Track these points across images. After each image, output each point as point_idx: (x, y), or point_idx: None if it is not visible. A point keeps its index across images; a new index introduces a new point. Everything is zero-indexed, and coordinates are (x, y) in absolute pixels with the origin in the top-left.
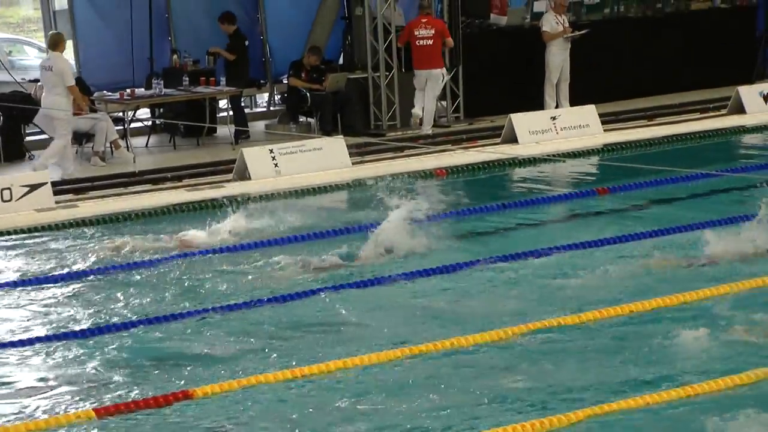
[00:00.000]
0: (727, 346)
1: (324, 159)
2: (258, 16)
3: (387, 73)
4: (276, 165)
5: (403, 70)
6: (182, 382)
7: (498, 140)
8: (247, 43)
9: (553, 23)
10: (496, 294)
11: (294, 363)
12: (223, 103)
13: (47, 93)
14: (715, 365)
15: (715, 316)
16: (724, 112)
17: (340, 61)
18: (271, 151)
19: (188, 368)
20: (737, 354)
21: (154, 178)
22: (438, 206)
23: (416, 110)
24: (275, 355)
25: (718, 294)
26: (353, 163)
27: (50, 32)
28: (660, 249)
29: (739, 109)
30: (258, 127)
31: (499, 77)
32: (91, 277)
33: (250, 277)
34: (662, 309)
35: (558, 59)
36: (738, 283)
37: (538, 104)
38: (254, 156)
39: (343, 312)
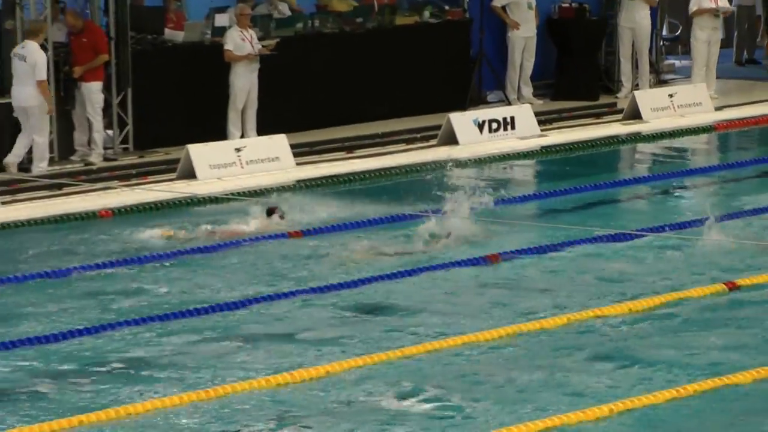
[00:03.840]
0: None
1: None
2: None
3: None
4: None
5: (62, 93)
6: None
7: (174, 176)
8: None
9: (237, 40)
10: None
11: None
12: None
13: (17, 84)
14: None
15: None
16: (434, 142)
17: None
18: None
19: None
20: None
21: None
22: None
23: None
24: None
25: None
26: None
27: (29, 19)
28: None
29: (451, 138)
30: None
31: (174, 102)
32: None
33: None
34: None
35: (244, 81)
36: None
37: (220, 134)
38: None
39: None
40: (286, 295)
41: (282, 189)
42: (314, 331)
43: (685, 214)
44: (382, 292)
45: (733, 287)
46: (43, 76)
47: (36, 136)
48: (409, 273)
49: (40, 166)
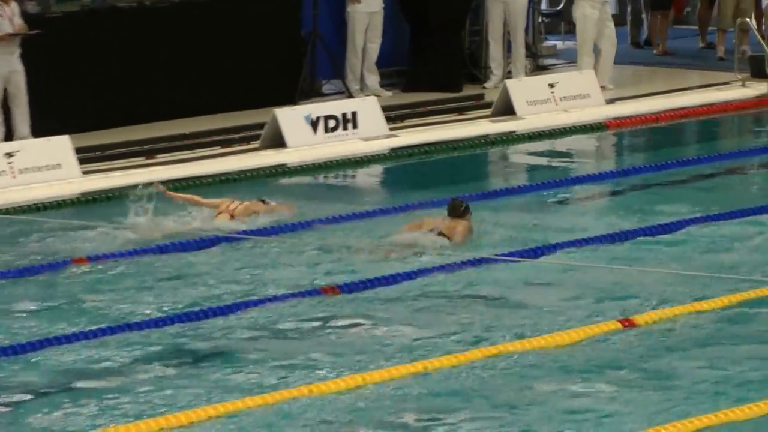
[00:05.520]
0: None
1: None
2: None
3: None
4: None
5: None
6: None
7: None
8: None
9: None
10: None
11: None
12: None
13: None
14: None
15: None
16: (257, 144)
17: None
18: None
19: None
20: None
21: None
22: None
23: None
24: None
25: None
26: None
27: None
28: None
29: (278, 140)
30: None
31: None
32: None
33: None
34: None
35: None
36: None
37: None
38: None
39: None
40: None
41: (64, 204)
42: None
43: (568, 233)
44: None
45: (628, 325)
46: None
47: None
48: None
49: None
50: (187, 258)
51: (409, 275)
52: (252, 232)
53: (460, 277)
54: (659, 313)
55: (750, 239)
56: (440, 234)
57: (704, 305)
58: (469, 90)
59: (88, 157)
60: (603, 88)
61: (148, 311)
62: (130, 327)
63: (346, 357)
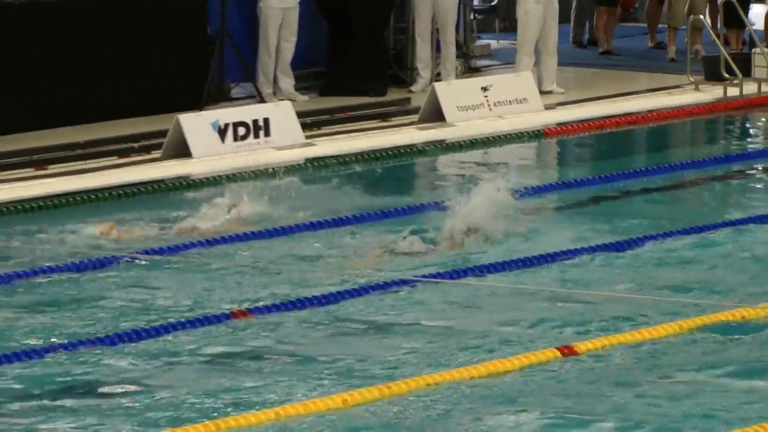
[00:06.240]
0: None
1: None
2: None
3: None
4: None
5: None
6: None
7: None
8: None
9: None
10: None
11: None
12: None
13: None
14: None
15: None
16: (158, 154)
17: None
18: None
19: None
20: None
21: None
22: None
23: None
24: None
25: None
26: None
27: None
28: None
29: (182, 149)
30: None
31: None
32: None
33: None
34: None
35: None
36: None
37: None
38: None
39: None
40: None
41: None
42: None
43: (502, 251)
44: None
45: (568, 353)
46: None
47: None
48: None
49: None
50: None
51: (327, 298)
52: (153, 251)
53: (380, 301)
54: (603, 340)
55: (702, 259)
56: None
57: (652, 332)
58: (393, 94)
59: None
60: (549, 92)
61: (27, 340)
62: None
63: (258, 388)
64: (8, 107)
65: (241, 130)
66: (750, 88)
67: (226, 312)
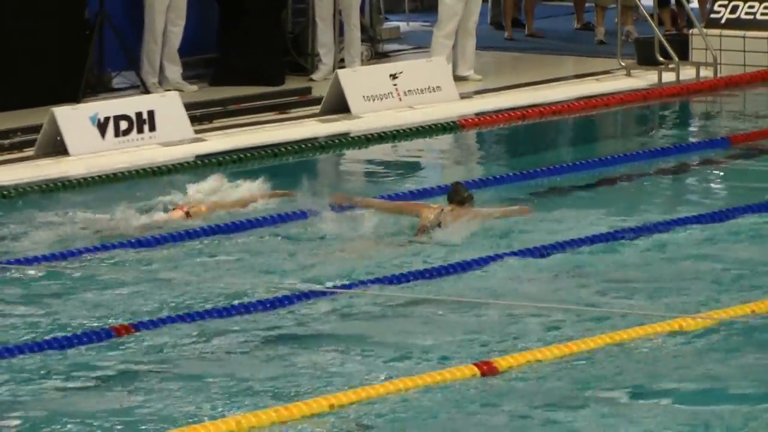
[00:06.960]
0: None
1: None
2: None
3: None
4: None
5: None
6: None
7: None
8: None
9: None
10: None
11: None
12: None
13: None
14: None
15: None
16: (31, 152)
17: None
18: None
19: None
20: None
21: None
22: None
23: None
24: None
25: None
26: None
27: None
28: None
29: (59, 146)
30: None
31: None
32: None
33: None
34: None
35: None
36: None
37: None
38: None
39: None
40: None
41: None
42: None
43: (414, 257)
44: None
45: (487, 371)
46: None
47: None
48: None
49: None
50: None
51: (228, 311)
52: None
53: (282, 313)
54: (526, 355)
55: (635, 263)
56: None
57: (580, 345)
58: (292, 83)
59: None
60: (465, 78)
61: None
62: None
63: (154, 411)
64: None
65: (124, 125)
66: (687, 73)
67: (107, 328)
